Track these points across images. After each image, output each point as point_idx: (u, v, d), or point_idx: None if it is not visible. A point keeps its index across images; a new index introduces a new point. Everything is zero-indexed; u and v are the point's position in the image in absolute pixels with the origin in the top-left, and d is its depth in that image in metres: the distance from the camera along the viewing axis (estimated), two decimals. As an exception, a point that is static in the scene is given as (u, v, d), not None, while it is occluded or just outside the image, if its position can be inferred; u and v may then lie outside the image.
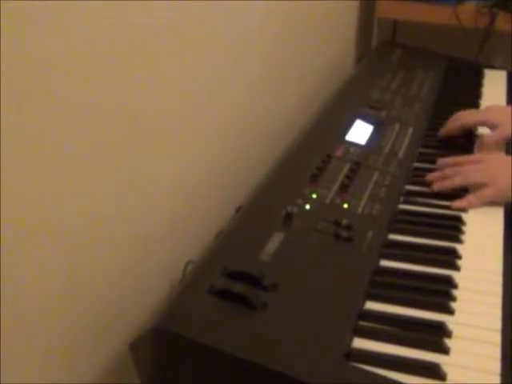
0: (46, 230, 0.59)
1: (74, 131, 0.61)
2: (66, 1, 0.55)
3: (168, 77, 0.76)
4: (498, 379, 0.60)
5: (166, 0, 0.72)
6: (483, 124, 1.07)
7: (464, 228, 0.83)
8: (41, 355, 0.63)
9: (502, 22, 1.54)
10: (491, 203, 0.88)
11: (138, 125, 0.72)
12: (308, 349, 0.61)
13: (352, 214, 0.83)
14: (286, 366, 0.58)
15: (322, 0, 1.33)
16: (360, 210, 0.84)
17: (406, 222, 0.85)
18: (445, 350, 0.63)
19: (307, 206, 0.83)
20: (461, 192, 0.90)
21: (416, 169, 0.99)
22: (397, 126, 1.11)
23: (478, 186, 0.89)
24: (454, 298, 0.70)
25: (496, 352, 0.63)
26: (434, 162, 0.99)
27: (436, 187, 0.92)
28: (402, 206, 0.89)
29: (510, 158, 0.92)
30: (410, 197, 0.91)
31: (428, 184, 0.93)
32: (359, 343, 0.64)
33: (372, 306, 0.69)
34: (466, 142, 1.07)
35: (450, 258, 0.77)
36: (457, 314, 0.68)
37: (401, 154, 1.01)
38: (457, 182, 0.91)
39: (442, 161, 0.97)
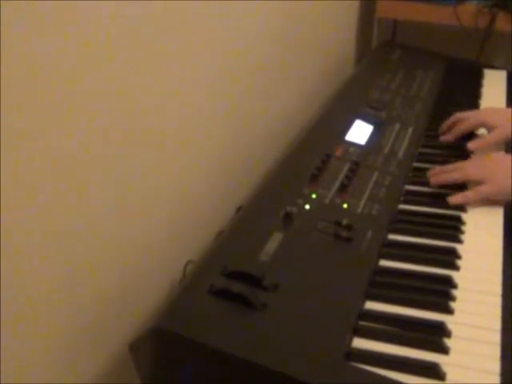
0: (46, 230, 0.59)
1: (73, 131, 0.61)
2: (66, 1, 0.55)
3: (168, 77, 0.76)
4: (497, 379, 0.60)
5: (165, 0, 0.72)
6: (480, 126, 1.07)
7: (464, 228, 0.83)
8: (41, 355, 0.63)
9: (502, 22, 1.54)
10: (490, 202, 0.88)
11: (138, 125, 0.72)
12: (308, 349, 0.61)
13: (352, 213, 0.83)
14: (285, 366, 0.58)
15: (321, 0, 1.33)
16: (360, 210, 0.84)
17: (406, 222, 0.85)
18: (444, 350, 0.63)
19: (307, 206, 0.83)
20: (460, 191, 0.90)
21: (416, 169, 0.99)
22: (397, 126, 1.11)
23: (476, 183, 0.89)
24: (453, 298, 0.70)
25: (496, 352, 0.63)
26: (434, 162, 0.99)
27: (434, 181, 0.92)
28: (402, 206, 0.89)
29: (509, 156, 0.92)
30: (409, 197, 0.91)
31: (427, 181, 0.93)
32: (359, 343, 0.64)
33: (372, 305, 0.69)
34: (466, 142, 1.07)
35: (450, 258, 0.77)
36: (456, 313, 0.68)
37: (401, 154, 1.01)
38: (454, 176, 0.91)
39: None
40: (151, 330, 0.62)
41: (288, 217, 0.79)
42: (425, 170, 0.97)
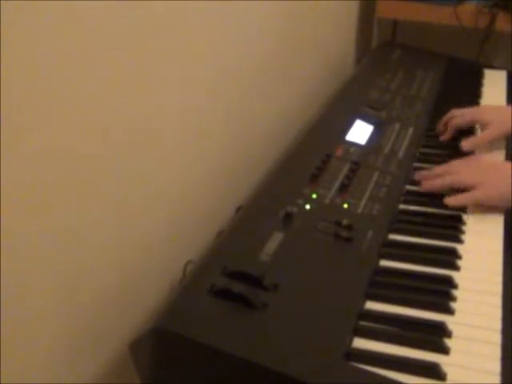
0: (46, 230, 0.59)
1: (73, 131, 0.61)
2: (66, 1, 0.55)
3: (168, 77, 0.76)
4: (497, 379, 0.60)
5: (166, 0, 0.72)
6: (474, 123, 1.07)
7: (464, 228, 0.83)
8: (41, 355, 0.63)
9: (502, 22, 1.54)
10: (489, 209, 0.86)
11: (138, 125, 0.72)
12: (308, 349, 0.61)
13: (352, 213, 0.83)
14: (285, 366, 0.58)
15: (321, 0, 1.33)
16: (360, 210, 0.84)
17: (406, 222, 0.85)
18: (445, 350, 0.63)
19: (307, 206, 0.83)
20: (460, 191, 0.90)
21: (416, 169, 0.99)
22: (397, 126, 1.11)
23: (468, 187, 0.88)
24: (454, 298, 0.70)
25: (496, 352, 0.63)
26: (433, 162, 0.99)
27: (426, 187, 0.91)
28: (402, 206, 0.89)
29: (503, 162, 0.91)
30: (410, 197, 0.91)
31: (416, 183, 0.92)
32: (359, 343, 0.64)
33: (372, 305, 0.69)
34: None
35: (450, 258, 0.77)
36: (457, 314, 0.68)
37: (401, 154, 1.01)
38: (446, 181, 0.89)
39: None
40: (151, 330, 0.62)
41: (288, 217, 0.79)
42: (425, 170, 0.97)
